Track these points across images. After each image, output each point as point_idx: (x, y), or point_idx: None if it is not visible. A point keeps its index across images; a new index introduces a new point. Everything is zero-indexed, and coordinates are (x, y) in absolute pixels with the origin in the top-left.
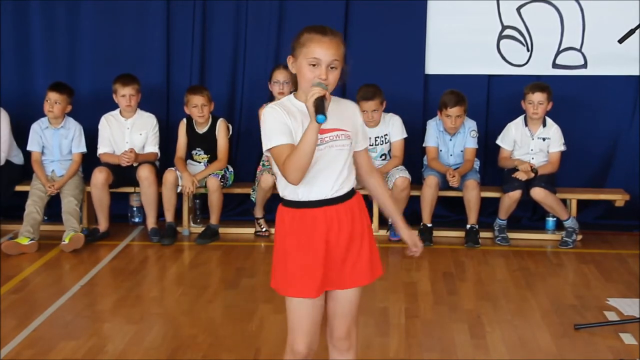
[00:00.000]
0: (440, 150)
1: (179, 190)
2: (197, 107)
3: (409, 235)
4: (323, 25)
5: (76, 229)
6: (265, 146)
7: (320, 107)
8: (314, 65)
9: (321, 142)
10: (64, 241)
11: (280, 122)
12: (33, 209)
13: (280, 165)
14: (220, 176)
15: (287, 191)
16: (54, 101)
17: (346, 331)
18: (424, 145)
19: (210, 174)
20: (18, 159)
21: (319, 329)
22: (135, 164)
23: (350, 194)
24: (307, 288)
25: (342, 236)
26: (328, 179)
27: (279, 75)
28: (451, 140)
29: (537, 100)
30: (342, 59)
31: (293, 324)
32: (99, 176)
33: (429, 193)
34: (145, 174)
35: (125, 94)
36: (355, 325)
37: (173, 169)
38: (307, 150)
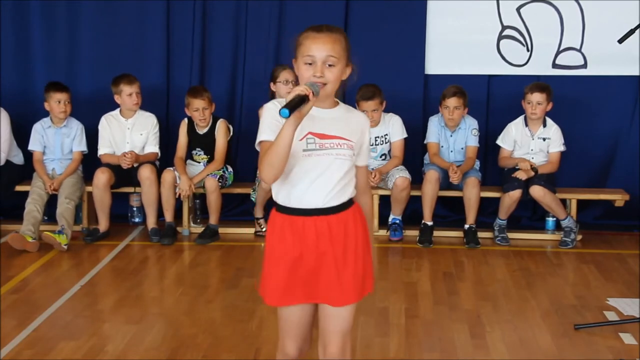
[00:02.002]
0: (442, 147)
1: (177, 191)
2: (199, 110)
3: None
4: (326, 24)
5: (64, 229)
6: (257, 140)
7: (294, 103)
8: (309, 64)
9: (320, 147)
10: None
11: (274, 118)
12: (33, 207)
13: (259, 161)
14: (218, 176)
15: (280, 196)
16: (65, 101)
17: (339, 348)
18: (425, 141)
19: (207, 175)
20: (18, 159)
21: (309, 333)
22: (135, 165)
23: (346, 205)
24: (289, 295)
25: (333, 249)
26: (323, 187)
27: (288, 75)
28: (452, 136)
29: (535, 101)
30: (341, 56)
31: (282, 327)
32: (102, 177)
33: (429, 188)
34: (146, 174)
35: (132, 92)
36: (349, 341)
37: (171, 169)
38: (280, 146)
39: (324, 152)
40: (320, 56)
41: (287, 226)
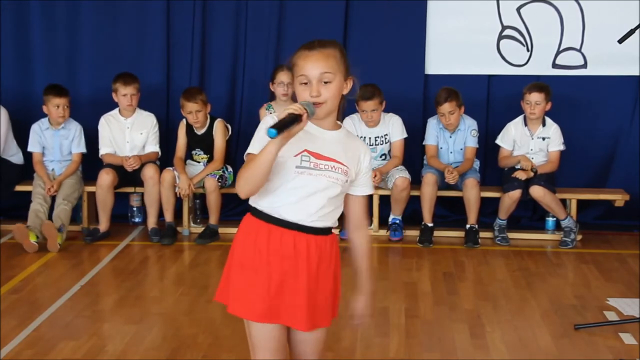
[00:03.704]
0: (441, 148)
1: (176, 191)
2: (192, 113)
3: (359, 301)
4: (319, 39)
5: (63, 227)
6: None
7: (283, 123)
8: (305, 83)
9: (315, 167)
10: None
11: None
12: (39, 207)
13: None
14: (217, 176)
15: (263, 202)
16: (64, 105)
17: None
18: (423, 143)
19: (207, 175)
20: (17, 158)
21: (283, 355)
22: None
23: (326, 231)
24: (253, 309)
25: (306, 269)
26: (310, 206)
27: (284, 77)
28: (451, 137)
29: (534, 100)
30: (337, 70)
31: (253, 347)
32: (106, 178)
33: (427, 191)
34: (150, 173)
35: (126, 93)
36: None
37: (171, 168)
38: (260, 164)
39: (317, 173)
40: (314, 75)
41: (263, 234)
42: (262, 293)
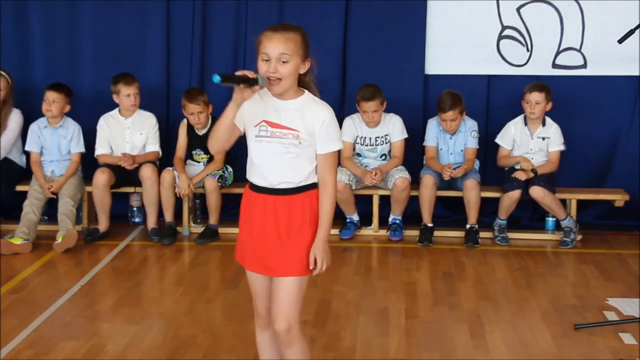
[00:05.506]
0: (441, 149)
1: (176, 190)
2: (194, 114)
3: (314, 247)
4: (285, 23)
5: (70, 229)
6: None
7: (232, 77)
8: (266, 60)
9: (271, 135)
10: (57, 241)
11: (244, 108)
12: (30, 209)
13: None
14: (217, 176)
15: (247, 173)
16: (51, 100)
17: (284, 323)
18: (423, 144)
19: (207, 175)
20: (20, 160)
21: (266, 297)
22: (136, 165)
23: (296, 190)
24: (243, 258)
25: (277, 226)
26: (270, 170)
27: None
28: (451, 138)
29: (534, 100)
30: (295, 52)
31: (250, 290)
32: (101, 177)
33: (426, 192)
34: (147, 173)
35: (130, 93)
36: (296, 323)
37: (171, 168)
38: (221, 123)
39: (273, 140)
40: (274, 54)
41: (246, 199)
42: (248, 247)
